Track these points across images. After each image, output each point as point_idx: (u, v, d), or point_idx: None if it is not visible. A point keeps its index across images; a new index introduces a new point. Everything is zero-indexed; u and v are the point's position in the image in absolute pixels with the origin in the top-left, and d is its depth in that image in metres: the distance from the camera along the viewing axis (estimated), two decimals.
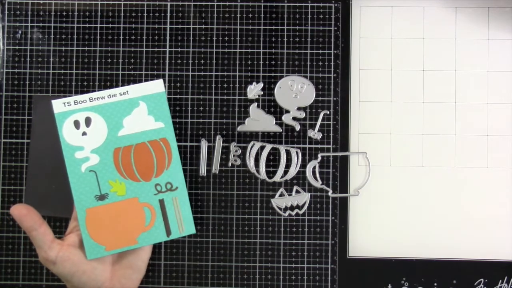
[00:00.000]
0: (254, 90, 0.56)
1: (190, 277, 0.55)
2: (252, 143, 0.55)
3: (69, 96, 0.55)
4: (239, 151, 0.55)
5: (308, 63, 0.56)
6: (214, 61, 0.56)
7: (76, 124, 0.49)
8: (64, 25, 0.56)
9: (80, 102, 0.49)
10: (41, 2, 0.56)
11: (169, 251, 0.55)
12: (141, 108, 0.50)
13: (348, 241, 0.55)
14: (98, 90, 0.55)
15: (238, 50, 0.56)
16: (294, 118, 0.55)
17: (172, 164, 0.50)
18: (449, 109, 0.56)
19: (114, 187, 0.49)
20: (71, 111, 0.49)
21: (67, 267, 0.46)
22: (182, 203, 0.50)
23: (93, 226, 0.48)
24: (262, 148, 0.55)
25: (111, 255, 0.50)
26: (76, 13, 0.56)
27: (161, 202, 0.50)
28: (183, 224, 0.50)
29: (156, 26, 0.56)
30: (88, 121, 0.49)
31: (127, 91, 0.50)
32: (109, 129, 0.50)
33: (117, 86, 0.56)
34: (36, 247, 0.46)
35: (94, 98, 0.50)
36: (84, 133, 0.49)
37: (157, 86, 0.51)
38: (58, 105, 0.49)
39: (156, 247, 0.55)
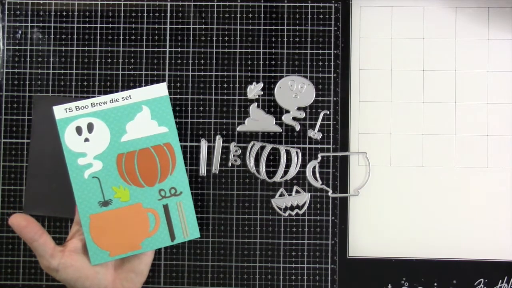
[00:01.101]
0: (254, 90, 0.56)
1: (190, 277, 0.55)
2: (252, 143, 0.55)
3: (70, 96, 0.55)
4: (239, 151, 0.55)
5: (308, 63, 0.56)
6: (214, 61, 0.56)
7: (78, 130, 0.48)
8: (64, 25, 0.56)
9: (82, 107, 0.49)
10: (41, 2, 0.56)
11: (169, 252, 0.55)
12: (144, 113, 0.49)
13: (348, 241, 0.55)
14: (98, 90, 0.56)
15: (238, 50, 0.56)
16: (294, 118, 0.55)
17: (176, 169, 0.50)
18: (449, 109, 0.56)
19: (118, 193, 0.49)
20: (73, 117, 0.48)
21: (70, 273, 0.46)
22: (187, 208, 0.50)
23: (97, 232, 0.48)
24: (262, 148, 0.55)
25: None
26: (76, 13, 0.56)
27: (165, 207, 0.50)
28: (188, 228, 0.50)
29: (156, 26, 0.56)
30: (90, 127, 0.49)
31: (129, 96, 0.49)
32: (111, 134, 0.49)
33: (117, 86, 0.56)
34: (38, 256, 0.46)
35: (96, 104, 0.49)
36: (86, 139, 0.48)
37: (160, 90, 0.50)
38: (60, 111, 0.48)
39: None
